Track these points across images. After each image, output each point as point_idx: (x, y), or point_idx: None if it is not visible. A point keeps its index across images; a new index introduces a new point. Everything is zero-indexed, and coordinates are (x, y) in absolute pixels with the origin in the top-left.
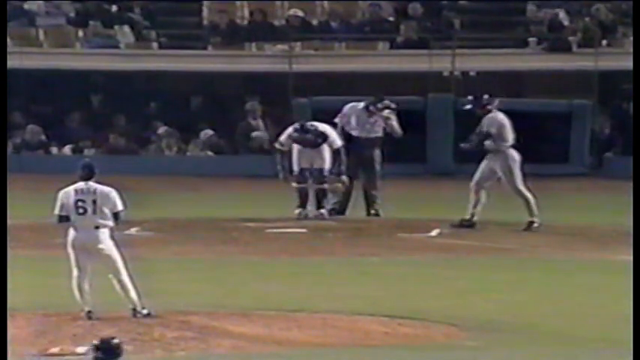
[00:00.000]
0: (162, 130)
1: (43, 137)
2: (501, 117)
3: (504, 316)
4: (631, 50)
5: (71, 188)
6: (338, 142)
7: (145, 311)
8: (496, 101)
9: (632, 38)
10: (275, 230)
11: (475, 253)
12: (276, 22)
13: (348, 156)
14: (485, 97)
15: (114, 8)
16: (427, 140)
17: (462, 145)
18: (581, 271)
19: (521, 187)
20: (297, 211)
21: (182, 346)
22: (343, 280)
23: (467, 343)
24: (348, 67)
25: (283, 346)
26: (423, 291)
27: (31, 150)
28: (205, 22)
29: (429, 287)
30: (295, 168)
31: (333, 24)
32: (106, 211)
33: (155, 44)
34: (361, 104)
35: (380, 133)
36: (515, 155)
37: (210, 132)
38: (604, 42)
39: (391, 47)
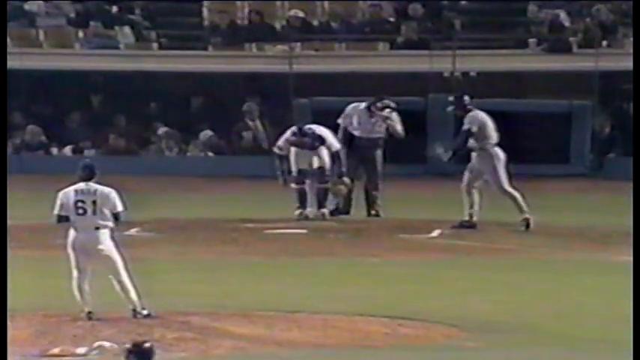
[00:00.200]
0: (162, 130)
1: (43, 138)
2: (482, 115)
3: (505, 316)
4: (631, 51)
5: (71, 189)
6: (336, 145)
7: (145, 312)
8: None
9: (632, 39)
10: (275, 231)
11: (475, 254)
12: (277, 23)
13: (350, 156)
14: (466, 97)
15: (114, 9)
16: (428, 141)
17: (443, 155)
18: (581, 271)
19: (507, 187)
20: (297, 211)
21: (182, 346)
22: (343, 281)
23: (467, 343)
24: (349, 68)
25: (283, 346)
26: (424, 292)
27: (31, 150)
28: (206, 22)
29: (430, 288)
30: (294, 169)
31: (334, 24)
32: (106, 211)
33: (155, 45)
34: (363, 104)
35: (382, 134)
36: (500, 154)
37: (210, 133)
38: (604, 42)
39: (391, 48)
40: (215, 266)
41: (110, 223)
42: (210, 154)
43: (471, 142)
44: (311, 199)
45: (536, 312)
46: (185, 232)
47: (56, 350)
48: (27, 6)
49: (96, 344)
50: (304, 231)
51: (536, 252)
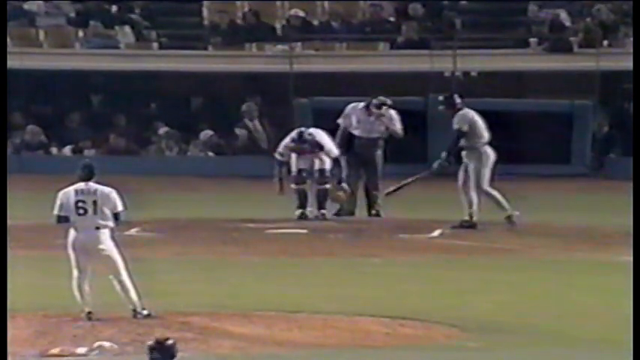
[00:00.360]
0: (162, 130)
1: (43, 138)
2: (472, 114)
3: (505, 316)
4: (632, 50)
5: (71, 189)
6: (335, 151)
7: (145, 312)
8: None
9: (633, 38)
10: (275, 231)
11: (476, 254)
12: (277, 23)
13: (351, 156)
14: (456, 96)
15: (114, 8)
16: (428, 141)
17: (435, 166)
18: (582, 271)
19: (485, 186)
20: (297, 212)
21: (182, 347)
22: (344, 281)
23: (468, 343)
24: (349, 68)
25: (284, 346)
26: (424, 291)
27: (31, 150)
28: (206, 22)
29: (430, 288)
30: (293, 169)
31: (334, 24)
32: (107, 211)
33: (155, 44)
34: (361, 104)
35: (381, 133)
36: (490, 153)
37: (210, 132)
38: (605, 42)
39: (392, 47)
40: (215, 266)
41: (110, 223)
42: (211, 154)
43: (462, 141)
44: (311, 199)
45: (537, 312)
46: (185, 232)
47: (56, 350)
48: (27, 5)
49: (96, 344)
50: (305, 231)
51: (537, 252)
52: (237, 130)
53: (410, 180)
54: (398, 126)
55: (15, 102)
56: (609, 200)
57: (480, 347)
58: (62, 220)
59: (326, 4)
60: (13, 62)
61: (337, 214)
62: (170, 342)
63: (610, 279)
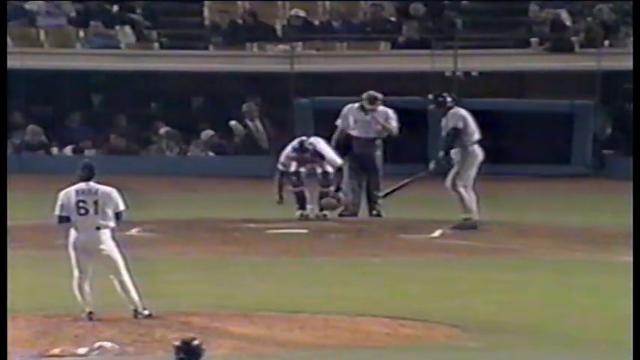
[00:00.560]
0: (163, 130)
1: (44, 138)
2: (463, 112)
3: (506, 317)
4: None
5: (72, 189)
6: (338, 161)
7: (146, 312)
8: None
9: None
10: (276, 231)
11: (477, 254)
12: (278, 22)
13: (350, 157)
14: (447, 95)
15: (115, 8)
16: (429, 141)
17: (432, 166)
18: (582, 271)
19: (459, 187)
20: (298, 212)
21: None
22: (345, 281)
23: (469, 344)
24: (350, 68)
25: (285, 347)
26: (425, 292)
27: (32, 150)
28: (206, 22)
29: (431, 288)
30: (292, 169)
31: (335, 24)
32: (108, 211)
33: (156, 44)
34: (356, 104)
35: (379, 133)
36: (478, 152)
37: (211, 132)
38: (606, 42)
39: (393, 47)
40: (216, 266)
41: (111, 223)
42: (211, 154)
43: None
44: (311, 199)
45: (538, 312)
46: (186, 232)
47: (57, 351)
48: (27, 5)
49: (97, 345)
50: (305, 231)
51: (538, 252)
52: (232, 124)
53: (407, 181)
54: (393, 124)
55: (15, 102)
56: (610, 200)
57: (480, 347)
58: (64, 220)
59: (327, 3)
60: (13, 62)
61: (341, 214)
62: (196, 342)
63: (610, 279)
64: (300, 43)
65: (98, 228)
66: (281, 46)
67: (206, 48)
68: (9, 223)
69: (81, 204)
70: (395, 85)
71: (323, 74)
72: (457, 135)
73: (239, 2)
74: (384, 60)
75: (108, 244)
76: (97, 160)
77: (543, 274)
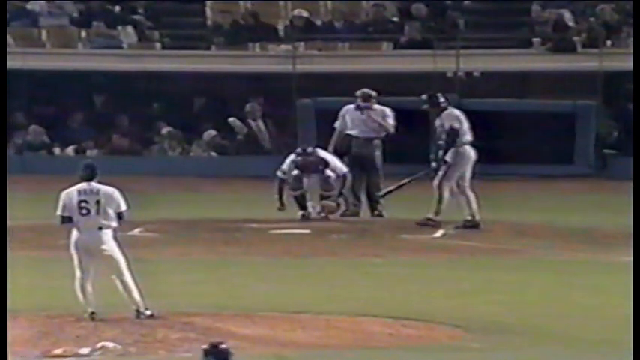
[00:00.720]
0: (165, 130)
1: (46, 138)
2: (458, 112)
3: (508, 317)
4: None
5: (74, 189)
6: (343, 169)
7: (148, 312)
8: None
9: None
10: (278, 231)
11: (479, 254)
12: (280, 23)
13: (350, 158)
14: (439, 95)
15: (117, 9)
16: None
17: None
18: (584, 272)
19: (444, 187)
20: (299, 213)
21: (185, 347)
22: (347, 281)
23: (471, 344)
24: (352, 68)
25: (287, 347)
26: (427, 292)
27: (34, 151)
28: (209, 22)
29: (433, 288)
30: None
31: (337, 24)
32: (110, 211)
33: (158, 45)
34: (353, 104)
35: (377, 132)
36: (471, 153)
37: (213, 133)
38: (608, 42)
39: (395, 48)
40: (218, 266)
41: (113, 223)
42: (214, 154)
43: (443, 140)
44: (311, 197)
45: (540, 312)
46: (188, 233)
47: (59, 351)
48: (29, 6)
49: (99, 345)
50: (307, 231)
51: (540, 252)
52: (231, 120)
53: (406, 181)
54: (390, 122)
55: (17, 102)
56: (611, 200)
57: (483, 348)
58: (66, 220)
59: (329, 4)
60: (15, 62)
61: (343, 214)
62: (224, 345)
63: (611, 279)
64: (302, 44)
65: (100, 228)
66: (283, 47)
67: (208, 48)
68: (11, 223)
69: (83, 204)
70: (397, 85)
71: (325, 74)
72: (456, 135)
73: (241, 2)
74: (386, 60)
75: (110, 244)
76: (99, 160)
77: (545, 274)
